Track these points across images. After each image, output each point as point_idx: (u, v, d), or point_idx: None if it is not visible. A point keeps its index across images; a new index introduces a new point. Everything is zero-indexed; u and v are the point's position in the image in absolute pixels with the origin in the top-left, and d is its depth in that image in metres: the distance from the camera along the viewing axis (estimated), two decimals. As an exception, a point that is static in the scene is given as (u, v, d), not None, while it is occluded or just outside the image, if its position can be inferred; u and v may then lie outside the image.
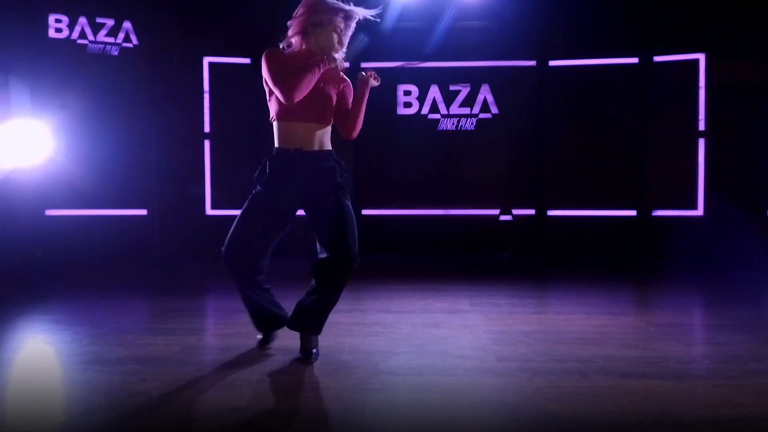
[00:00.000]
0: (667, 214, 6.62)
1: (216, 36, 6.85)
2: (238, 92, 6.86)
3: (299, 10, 2.77)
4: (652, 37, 6.62)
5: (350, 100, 2.88)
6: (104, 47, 6.51)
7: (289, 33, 2.80)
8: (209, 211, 6.87)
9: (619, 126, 6.76)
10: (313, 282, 2.73)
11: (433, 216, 7.05)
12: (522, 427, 2.03)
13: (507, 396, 2.31)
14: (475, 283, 5.23)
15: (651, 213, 6.67)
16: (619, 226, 6.74)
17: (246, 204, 2.75)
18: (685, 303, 4.51)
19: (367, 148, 7.06)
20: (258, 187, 2.76)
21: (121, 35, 6.56)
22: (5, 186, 6.18)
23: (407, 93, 7.04)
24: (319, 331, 2.79)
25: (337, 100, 2.82)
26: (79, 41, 6.44)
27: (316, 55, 2.73)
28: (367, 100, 2.87)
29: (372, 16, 2.85)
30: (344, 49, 2.82)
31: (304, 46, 2.78)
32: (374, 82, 2.86)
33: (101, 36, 6.50)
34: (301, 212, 2.81)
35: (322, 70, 2.68)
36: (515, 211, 6.95)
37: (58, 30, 6.38)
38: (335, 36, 2.75)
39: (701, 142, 6.49)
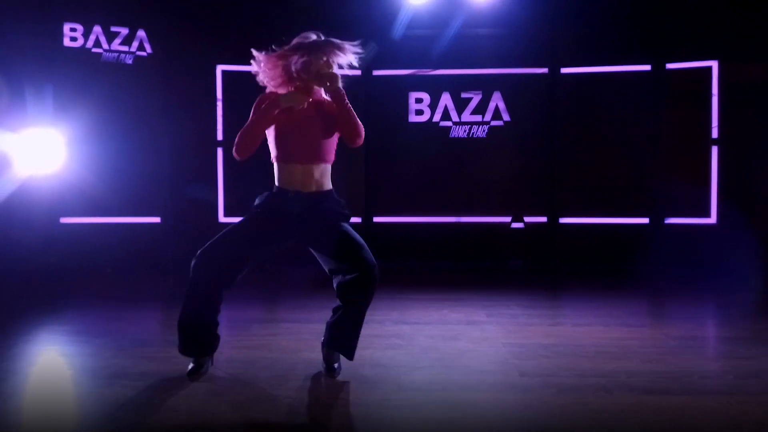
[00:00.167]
0: (680, 221, 6.60)
1: (229, 44, 6.88)
2: (251, 100, 6.85)
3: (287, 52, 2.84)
4: (665, 45, 6.62)
5: None
6: (118, 56, 6.55)
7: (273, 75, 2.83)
8: (222, 219, 6.89)
9: (632, 133, 6.76)
10: (339, 303, 2.73)
11: (445, 223, 7.06)
12: (551, 446, 2.04)
13: (532, 413, 2.32)
14: (488, 292, 5.23)
15: (663, 221, 6.65)
16: (631, 233, 6.73)
17: (237, 223, 2.75)
18: (701, 314, 4.50)
19: (379, 156, 7.07)
20: (254, 211, 2.77)
21: (135, 44, 6.60)
22: (21, 194, 6.23)
23: (419, 100, 7.05)
24: (352, 355, 2.73)
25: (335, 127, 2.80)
26: (94, 50, 6.49)
27: (271, 102, 2.73)
28: (352, 111, 2.80)
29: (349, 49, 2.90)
30: (334, 74, 2.79)
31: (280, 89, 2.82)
32: (333, 84, 2.77)
33: (115, 45, 6.54)
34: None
35: (268, 121, 2.71)
36: (527, 219, 6.95)
37: (73, 39, 6.43)
38: (313, 68, 2.78)
39: (714, 150, 6.48)
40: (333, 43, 2.83)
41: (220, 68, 6.85)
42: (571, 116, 6.85)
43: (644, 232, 6.70)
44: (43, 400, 2.50)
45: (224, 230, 2.73)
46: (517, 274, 6.54)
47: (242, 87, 6.90)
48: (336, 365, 2.80)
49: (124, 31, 6.56)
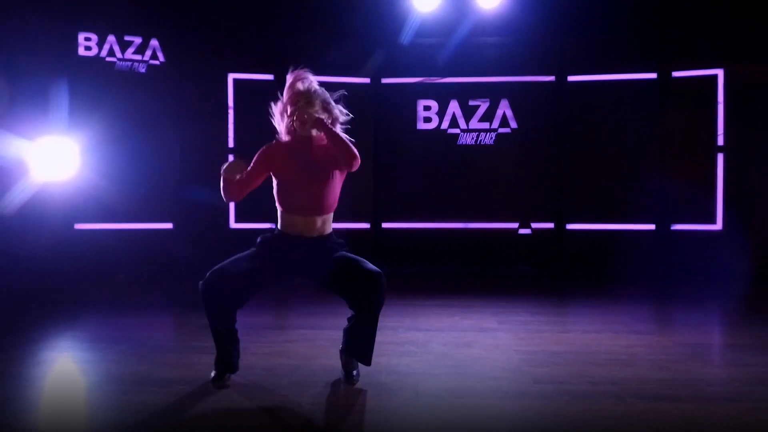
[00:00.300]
0: (686, 228, 6.68)
1: (240, 53, 7.00)
2: (262, 108, 6.95)
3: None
4: (671, 53, 6.70)
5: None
6: (132, 65, 6.67)
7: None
8: (233, 225, 6.99)
9: (638, 140, 6.84)
10: (352, 314, 2.81)
11: (452, 229, 7.15)
12: (567, 452, 2.12)
13: (547, 420, 2.40)
14: (497, 298, 5.32)
15: (669, 227, 6.73)
16: (637, 239, 6.80)
17: (243, 254, 2.84)
18: (708, 321, 4.58)
19: (387, 162, 7.17)
20: (258, 247, 2.86)
21: (149, 53, 6.71)
22: (36, 201, 6.34)
23: (427, 108, 7.15)
24: (369, 361, 2.80)
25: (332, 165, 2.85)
26: (108, 59, 6.60)
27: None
28: (337, 135, 2.82)
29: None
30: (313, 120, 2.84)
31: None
32: (314, 125, 2.85)
33: (129, 53, 6.66)
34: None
35: (230, 186, 2.87)
36: (534, 225, 7.04)
37: (88, 48, 6.54)
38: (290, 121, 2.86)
39: (720, 157, 6.56)
40: (302, 93, 2.90)
41: (231, 77, 6.96)
42: (578, 123, 6.94)
43: (650, 238, 6.78)
44: (72, 407, 2.59)
45: (229, 259, 2.81)
46: (525, 279, 6.62)
47: (253, 95, 7.04)
48: (354, 372, 2.88)
49: (138, 40, 6.68)
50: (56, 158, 6.31)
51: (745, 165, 6.52)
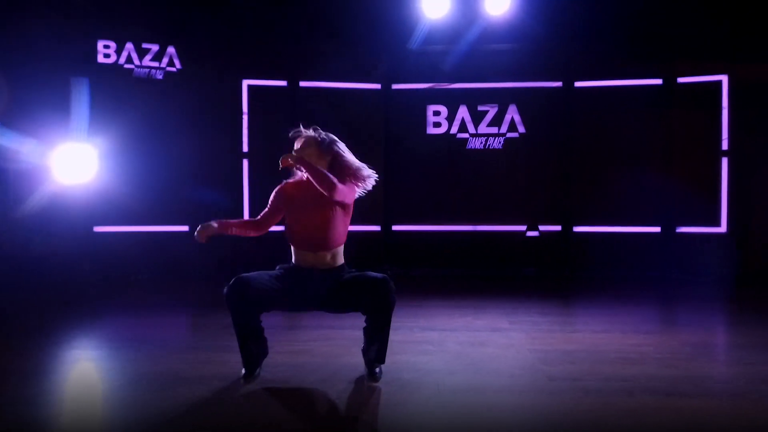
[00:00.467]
0: (691, 230, 6.82)
1: (254, 60, 7.16)
2: (275, 113, 7.16)
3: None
4: (676, 60, 6.85)
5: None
6: (149, 71, 6.84)
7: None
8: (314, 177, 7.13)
9: (643, 145, 6.99)
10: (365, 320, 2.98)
11: (462, 232, 7.30)
12: (583, 443, 2.28)
13: (564, 414, 2.55)
14: (507, 299, 5.47)
15: (675, 229, 6.87)
16: (643, 242, 6.95)
17: (267, 271, 3.04)
18: (713, 321, 4.72)
19: (397, 166, 7.32)
20: (279, 270, 3.06)
21: (165, 60, 6.88)
22: (57, 204, 6.51)
23: (436, 113, 7.30)
24: (383, 359, 2.97)
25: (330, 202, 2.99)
26: (126, 66, 6.77)
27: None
28: (313, 167, 2.95)
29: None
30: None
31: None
32: (298, 164, 3.00)
33: (146, 60, 6.83)
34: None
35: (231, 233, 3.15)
36: (542, 227, 7.18)
37: (107, 55, 6.71)
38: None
39: (724, 161, 6.70)
40: (296, 140, 3.15)
41: (245, 83, 7.12)
42: (585, 128, 7.08)
43: (656, 241, 6.92)
44: (116, 401, 2.74)
45: (257, 272, 2.99)
46: (533, 281, 6.77)
47: (267, 101, 7.22)
48: (377, 370, 3.03)
49: (155, 47, 6.84)
50: (76, 163, 6.48)
51: (750, 169, 6.66)
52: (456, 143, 7.28)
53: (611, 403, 2.68)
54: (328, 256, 3.03)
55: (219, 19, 6.99)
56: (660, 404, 2.66)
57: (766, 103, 6.57)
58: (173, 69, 6.93)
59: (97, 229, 6.76)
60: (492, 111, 7.21)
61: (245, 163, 7.14)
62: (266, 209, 3.19)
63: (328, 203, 2.98)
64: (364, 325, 3.00)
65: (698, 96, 6.81)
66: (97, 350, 3.70)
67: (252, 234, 3.23)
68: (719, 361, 3.48)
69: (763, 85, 6.59)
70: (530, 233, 7.21)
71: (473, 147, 7.26)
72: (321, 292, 3.00)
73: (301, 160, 2.97)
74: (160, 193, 6.80)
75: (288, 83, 7.17)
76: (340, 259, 3.09)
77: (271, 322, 4.06)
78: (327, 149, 3.09)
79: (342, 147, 3.14)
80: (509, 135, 7.20)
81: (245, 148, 7.15)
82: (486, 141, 7.24)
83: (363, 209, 7.02)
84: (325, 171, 2.95)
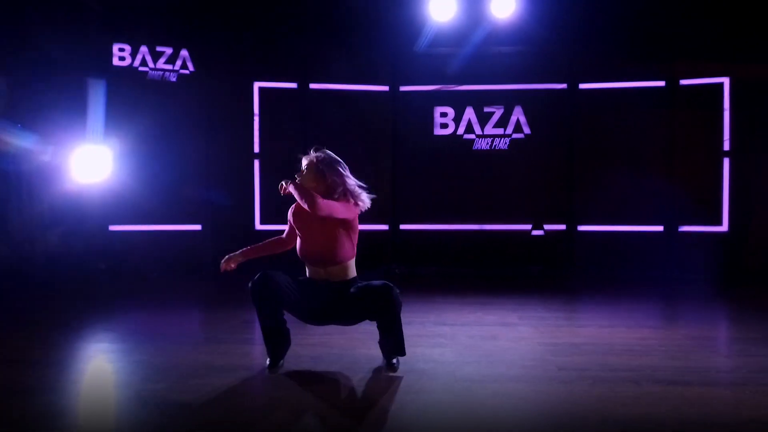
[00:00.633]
0: (693, 229, 6.96)
1: (265, 63, 7.32)
2: (285, 114, 7.33)
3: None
4: (678, 62, 6.99)
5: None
6: (163, 74, 7.00)
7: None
8: (258, 226, 7.30)
9: (647, 145, 7.14)
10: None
11: (468, 231, 7.45)
12: (594, 425, 2.41)
13: (574, 402, 2.70)
14: (514, 296, 5.62)
15: (677, 228, 7.01)
16: (646, 240, 7.09)
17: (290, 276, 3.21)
18: (714, 316, 4.87)
19: (405, 167, 7.48)
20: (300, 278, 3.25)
21: (179, 62, 7.04)
22: (73, 203, 6.67)
23: (444, 114, 7.45)
24: (404, 351, 3.15)
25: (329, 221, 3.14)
26: (141, 68, 6.94)
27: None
28: (299, 188, 3.10)
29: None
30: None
31: None
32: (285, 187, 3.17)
33: (160, 63, 6.99)
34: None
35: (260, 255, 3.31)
36: (547, 226, 7.33)
37: (122, 58, 6.87)
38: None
39: (726, 161, 6.85)
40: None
41: (257, 85, 7.28)
42: (589, 129, 7.23)
43: (659, 240, 7.07)
44: (148, 391, 2.89)
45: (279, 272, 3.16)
46: (538, 279, 6.92)
47: (277, 102, 7.38)
48: (395, 361, 3.19)
49: (169, 50, 7.01)
50: (92, 163, 6.64)
51: (751, 169, 6.80)
52: (463, 144, 7.43)
53: (619, 391, 2.82)
54: (337, 270, 3.19)
55: (231, 23, 7.15)
56: (665, 392, 2.80)
57: (766, 104, 6.71)
58: (186, 71, 7.09)
59: (113, 227, 6.92)
60: (498, 112, 7.36)
61: (256, 163, 7.30)
62: (287, 227, 3.39)
63: (331, 221, 3.13)
64: (379, 331, 3.17)
65: (700, 97, 6.95)
66: (123, 343, 3.85)
67: (279, 251, 3.41)
68: (721, 354, 3.62)
69: (764, 86, 6.74)
70: (535, 232, 7.36)
71: (479, 148, 7.41)
72: (331, 305, 3.16)
73: (292, 185, 3.13)
74: (173, 193, 6.96)
75: (298, 85, 7.33)
76: (351, 273, 3.24)
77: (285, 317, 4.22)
78: (321, 172, 3.20)
79: (340, 169, 3.22)
80: (515, 136, 7.35)
81: (256, 149, 7.30)
82: (492, 142, 7.39)
83: (371, 209, 7.22)
84: (309, 191, 3.08)
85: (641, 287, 6.26)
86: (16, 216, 6.55)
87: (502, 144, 7.37)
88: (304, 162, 3.26)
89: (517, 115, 7.33)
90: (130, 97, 6.85)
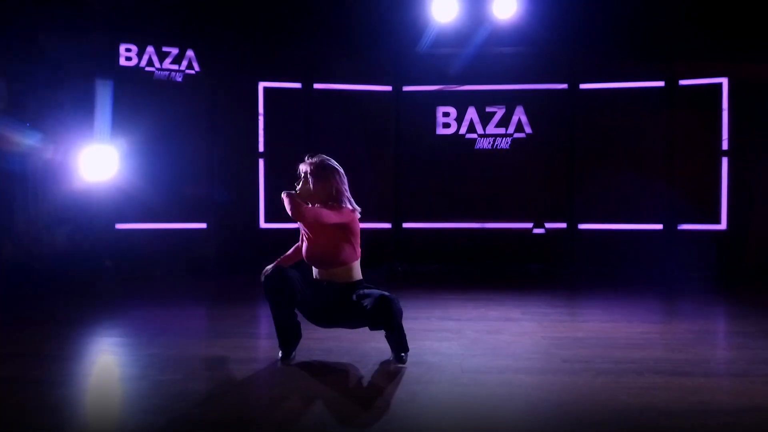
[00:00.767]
0: (692, 228, 7.06)
1: (270, 63, 7.41)
2: (290, 114, 7.41)
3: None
4: (678, 62, 7.09)
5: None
6: (169, 74, 7.08)
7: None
8: (263, 225, 7.38)
9: (646, 145, 7.23)
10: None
11: (470, 229, 7.54)
12: (599, 412, 2.50)
13: (579, 392, 2.79)
14: (517, 293, 5.72)
15: (677, 227, 7.11)
16: (646, 239, 7.19)
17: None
18: (713, 312, 4.96)
19: (408, 166, 7.57)
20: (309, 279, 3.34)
21: (185, 63, 7.12)
22: (81, 202, 6.75)
23: (446, 114, 7.54)
24: (406, 348, 3.24)
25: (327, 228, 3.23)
26: (147, 69, 7.01)
27: None
28: (287, 197, 3.18)
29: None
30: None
31: None
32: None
33: (167, 63, 7.06)
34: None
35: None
36: (548, 225, 7.42)
37: (128, 58, 6.95)
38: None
39: (724, 161, 6.94)
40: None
41: (262, 85, 7.36)
42: (590, 129, 7.33)
43: (658, 238, 7.16)
44: (167, 382, 2.98)
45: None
46: (539, 276, 7.02)
47: (282, 102, 7.47)
48: (403, 354, 3.27)
49: (175, 51, 7.08)
50: (99, 162, 6.71)
51: (749, 168, 6.90)
52: (465, 143, 7.52)
53: (622, 381, 2.92)
54: (339, 273, 3.27)
55: (236, 24, 7.23)
56: (667, 383, 2.90)
57: (765, 104, 6.82)
58: (192, 72, 7.17)
59: (119, 226, 6.99)
60: (500, 112, 7.45)
61: (261, 162, 7.38)
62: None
63: (328, 225, 3.22)
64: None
65: (699, 97, 7.05)
66: (136, 338, 3.93)
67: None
68: (720, 347, 3.72)
69: (762, 86, 6.84)
70: (536, 230, 7.45)
71: (481, 147, 7.50)
72: (333, 308, 3.24)
73: (284, 194, 3.21)
74: (179, 192, 7.03)
75: (302, 85, 7.42)
76: (355, 276, 3.31)
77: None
78: (317, 177, 3.27)
79: (335, 177, 3.29)
80: (516, 135, 7.44)
81: (261, 148, 7.38)
82: (494, 141, 7.48)
83: (375, 207, 7.33)
84: (294, 199, 3.16)
85: (641, 284, 6.36)
86: (23, 214, 6.63)
87: (504, 143, 7.46)
88: (301, 169, 3.33)
89: (519, 114, 7.42)
90: (137, 96, 6.92)
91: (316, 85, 7.44)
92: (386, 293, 3.08)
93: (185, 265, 7.05)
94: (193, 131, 7.12)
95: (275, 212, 7.35)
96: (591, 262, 7.29)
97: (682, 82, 7.08)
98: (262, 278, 3.19)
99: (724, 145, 6.94)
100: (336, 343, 3.66)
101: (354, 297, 3.20)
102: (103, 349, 3.71)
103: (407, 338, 3.29)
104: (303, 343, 3.43)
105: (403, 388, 2.82)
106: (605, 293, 5.81)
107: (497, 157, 7.47)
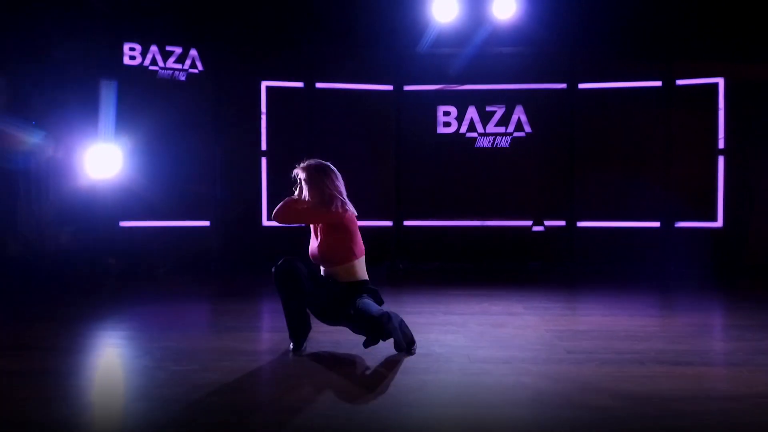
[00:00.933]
0: (689, 225, 7.17)
1: (272, 62, 7.49)
2: (292, 113, 7.49)
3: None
4: (675, 63, 7.20)
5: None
6: (173, 73, 7.14)
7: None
8: (265, 223, 7.45)
9: (644, 144, 7.34)
10: None
11: (470, 227, 7.63)
12: (605, 399, 2.59)
13: (586, 378, 2.88)
14: (518, 289, 5.81)
15: (674, 224, 7.22)
16: (644, 236, 7.30)
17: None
18: (711, 306, 5.07)
19: (409, 164, 7.65)
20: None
21: (188, 62, 7.19)
22: (85, 200, 6.81)
23: (446, 113, 7.63)
24: (411, 340, 3.34)
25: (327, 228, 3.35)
26: (151, 68, 7.07)
27: None
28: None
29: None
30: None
31: None
32: None
33: (170, 63, 7.13)
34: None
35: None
36: (547, 223, 7.52)
37: (132, 57, 7.01)
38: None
39: (721, 159, 7.06)
40: None
41: (264, 84, 7.44)
42: (588, 128, 7.43)
43: (656, 235, 7.27)
44: (183, 372, 3.05)
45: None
46: (539, 273, 7.11)
47: (284, 101, 7.55)
48: (413, 347, 3.36)
49: (178, 50, 7.15)
50: (103, 160, 6.76)
51: (744, 166, 7.02)
52: (465, 142, 7.61)
53: (626, 370, 3.01)
54: (340, 272, 3.36)
55: (239, 24, 7.30)
56: (669, 371, 2.99)
57: (760, 103, 6.94)
58: (195, 71, 7.23)
59: (123, 223, 7.04)
60: (500, 111, 7.55)
61: (264, 160, 7.45)
62: None
63: (322, 226, 3.35)
64: None
65: (696, 97, 7.17)
66: (148, 332, 4.00)
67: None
68: (719, 338, 3.82)
69: (757, 86, 6.96)
70: (536, 228, 7.55)
71: (482, 146, 7.59)
72: (335, 306, 3.32)
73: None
74: (182, 190, 7.10)
75: (304, 84, 7.49)
76: (359, 275, 3.39)
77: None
78: (308, 185, 3.37)
79: (326, 179, 3.36)
80: (516, 134, 7.54)
81: (264, 147, 7.46)
82: (494, 140, 7.57)
83: (376, 205, 7.42)
84: (284, 203, 3.34)
85: (639, 280, 6.47)
86: (28, 212, 6.68)
87: (504, 142, 7.56)
88: (295, 174, 3.43)
89: (519, 114, 7.52)
90: (141, 95, 6.98)
91: (318, 84, 7.51)
92: (382, 316, 3.11)
93: (188, 262, 7.11)
94: (196, 129, 7.19)
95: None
96: (590, 259, 7.39)
97: (679, 81, 7.20)
98: (273, 270, 3.27)
99: (720, 144, 7.05)
100: (346, 335, 3.71)
101: (352, 310, 3.24)
102: (114, 342, 3.77)
103: (412, 331, 3.38)
104: (312, 336, 3.51)
105: (413, 377, 2.90)
106: (604, 289, 5.91)
107: (497, 156, 7.57)
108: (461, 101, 7.60)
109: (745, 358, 3.24)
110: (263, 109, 7.44)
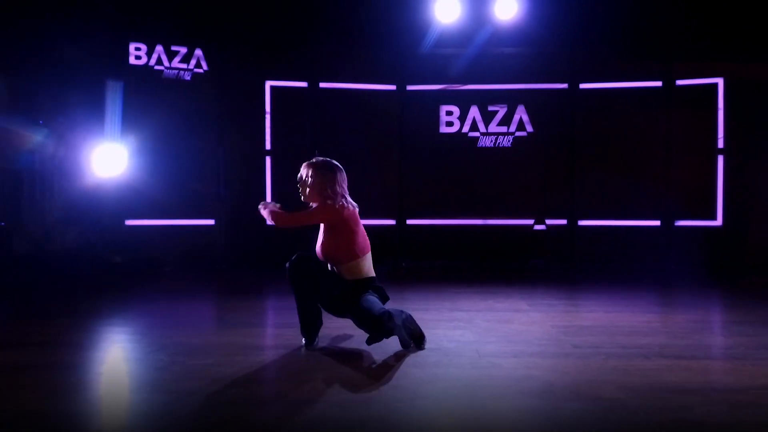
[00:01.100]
0: (689, 224, 7.26)
1: (277, 62, 7.55)
2: (296, 112, 7.55)
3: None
4: (675, 63, 7.29)
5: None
6: (178, 73, 7.20)
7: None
8: (269, 222, 7.50)
9: (644, 143, 7.43)
10: None
11: (473, 226, 7.71)
12: (613, 390, 2.66)
13: (593, 372, 2.95)
14: (521, 286, 5.89)
15: (674, 223, 7.31)
16: (644, 235, 7.38)
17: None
18: (712, 304, 5.16)
19: (412, 163, 7.73)
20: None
21: (193, 62, 7.25)
22: (91, 199, 6.86)
23: (449, 113, 7.71)
24: (420, 335, 3.41)
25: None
26: (156, 67, 7.13)
27: None
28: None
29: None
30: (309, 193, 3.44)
31: None
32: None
33: (175, 62, 7.19)
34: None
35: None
36: (549, 221, 7.61)
37: (138, 57, 7.07)
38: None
39: (720, 159, 7.15)
40: None
41: (268, 84, 7.51)
42: (589, 127, 7.52)
43: (656, 234, 7.36)
44: (199, 366, 3.11)
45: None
46: (541, 271, 7.18)
47: (288, 101, 7.61)
48: (423, 341, 3.43)
49: (183, 50, 7.21)
50: (109, 159, 6.82)
51: (744, 166, 7.12)
52: (467, 142, 7.69)
53: (632, 364, 3.08)
54: (344, 270, 3.40)
55: (244, 24, 7.37)
56: (673, 365, 3.06)
57: (759, 103, 7.03)
58: (200, 71, 7.29)
59: (129, 222, 7.10)
60: (502, 111, 7.63)
61: (268, 160, 7.52)
62: None
63: (323, 226, 3.41)
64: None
65: (696, 97, 7.26)
66: (161, 329, 4.06)
67: None
68: (720, 334, 3.90)
69: (757, 86, 7.05)
70: (538, 227, 7.63)
71: (484, 145, 7.67)
72: (343, 300, 3.37)
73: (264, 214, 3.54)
74: (187, 189, 7.16)
75: (308, 84, 7.56)
76: (364, 272, 3.42)
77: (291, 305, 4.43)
78: (312, 183, 3.41)
79: (329, 177, 3.39)
80: (518, 134, 7.62)
81: (268, 146, 7.52)
82: (496, 139, 7.65)
83: (379, 204, 7.49)
84: (276, 210, 3.50)
85: (640, 278, 6.54)
86: (35, 211, 6.73)
87: (506, 142, 7.63)
88: (301, 173, 3.47)
89: (520, 113, 7.60)
90: (146, 95, 7.04)
91: (322, 84, 7.58)
92: (383, 314, 3.17)
93: (193, 261, 7.18)
94: (201, 129, 7.25)
95: (282, 209, 7.49)
96: (591, 257, 7.48)
97: (679, 82, 7.28)
98: (287, 265, 3.33)
99: (720, 144, 7.14)
100: (357, 330, 3.78)
101: (355, 307, 3.29)
102: (126, 338, 3.83)
103: (421, 327, 3.44)
104: (324, 332, 3.58)
105: (424, 371, 2.97)
106: (606, 286, 5.99)
107: (499, 155, 7.65)
108: (463, 101, 7.68)
109: (747, 352, 3.32)
110: (267, 108, 7.51)
